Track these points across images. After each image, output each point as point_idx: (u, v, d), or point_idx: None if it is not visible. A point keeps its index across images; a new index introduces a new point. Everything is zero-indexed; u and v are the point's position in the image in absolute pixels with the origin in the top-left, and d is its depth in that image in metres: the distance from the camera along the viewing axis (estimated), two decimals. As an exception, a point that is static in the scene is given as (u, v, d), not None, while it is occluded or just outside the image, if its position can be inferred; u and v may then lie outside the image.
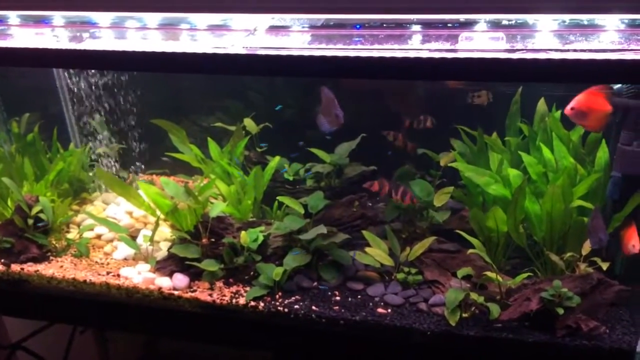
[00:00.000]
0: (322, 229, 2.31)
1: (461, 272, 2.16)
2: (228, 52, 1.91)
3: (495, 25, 1.86)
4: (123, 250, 2.60)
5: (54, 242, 2.65)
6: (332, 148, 2.86)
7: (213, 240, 2.43)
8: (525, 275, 2.13)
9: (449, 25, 1.92)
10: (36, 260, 2.51)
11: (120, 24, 2.19)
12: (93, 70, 2.93)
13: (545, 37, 1.84)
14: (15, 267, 2.46)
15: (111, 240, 2.71)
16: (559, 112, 2.39)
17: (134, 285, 2.34)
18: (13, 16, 2.24)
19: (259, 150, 2.93)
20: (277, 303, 2.22)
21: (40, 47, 2.07)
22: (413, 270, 2.32)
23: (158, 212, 2.54)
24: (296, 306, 2.20)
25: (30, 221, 2.55)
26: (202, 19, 2.12)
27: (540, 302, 1.99)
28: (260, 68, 2.00)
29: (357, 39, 1.92)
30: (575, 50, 1.71)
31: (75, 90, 3.00)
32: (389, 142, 2.68)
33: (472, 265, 2.23)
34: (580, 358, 1.98)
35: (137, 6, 2.05)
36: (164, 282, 2.33)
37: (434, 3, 1.80)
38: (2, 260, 2.48)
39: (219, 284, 2.34)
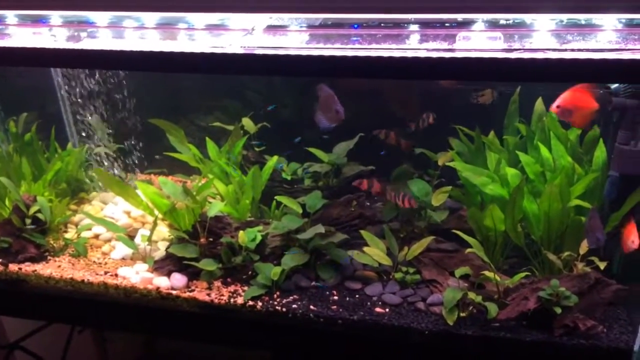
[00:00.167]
0: (320, 229, 2.32)
1: (459, 272, 2.16)
2: (226, 52, 1.91)
3: (493, 25, 1.86)
4: (121, 249, 2.59)
5: (51, 242, 2.65)
6: (330, 148, 2.86)
7: (211, 239, 2.43)
8: (523, 274, 2.13)
9: (446, 24, 1.92)
10: (34, 260, 2.51)
11: (118, 24, 2.18)
12: (91, 70, 2.93)
13: (543, 36, 1.84)
14: (13, 267, 2.45)
15: (109, 240, 2.71)
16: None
17: (132, 285, 2.34)
18: (10, 15, 2.23)
19: (256, 149, 2.93)
20: (275, 302, 2.22)
21: (38, 47, 2.06)
22: (411, 270, 2.33)
23: (156, 212, 2.54)
24: (294, 306, 2.20)
25: (28, 221, 2.55)
26: (199, 19, 2.11)
27: (538, 301, 1.99)
28: (258, 68, 2.00)
29: (354, 38, 1.92)
30: (572, 50, 1.72)
31: (74, 90, 3.00)
32: (381, 140, 2.67)
33: (470, 265, 2.24)
34: (577, 357, 1.98)
35: (134, 5, 2.05)
36: (162, 282, 2.33)
37: (431, 3, 1.80)
38: (0, 260, 2.48)
39: (217, 283, 2.34)
